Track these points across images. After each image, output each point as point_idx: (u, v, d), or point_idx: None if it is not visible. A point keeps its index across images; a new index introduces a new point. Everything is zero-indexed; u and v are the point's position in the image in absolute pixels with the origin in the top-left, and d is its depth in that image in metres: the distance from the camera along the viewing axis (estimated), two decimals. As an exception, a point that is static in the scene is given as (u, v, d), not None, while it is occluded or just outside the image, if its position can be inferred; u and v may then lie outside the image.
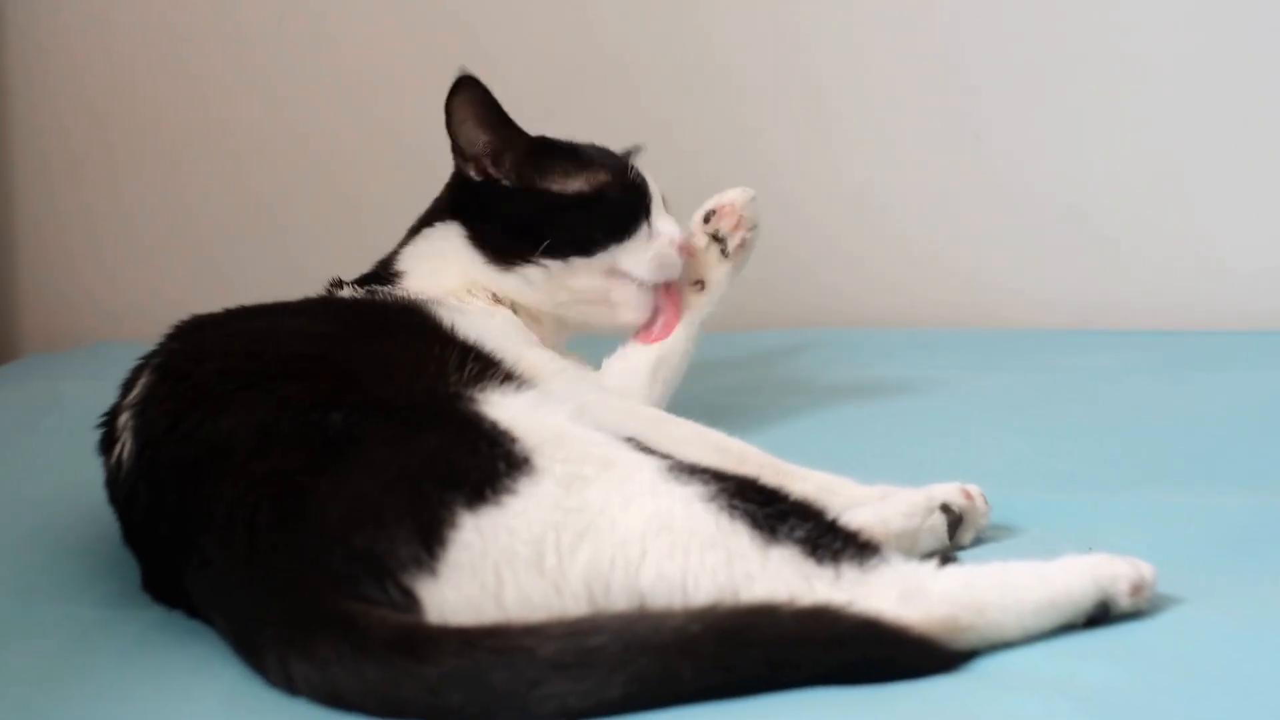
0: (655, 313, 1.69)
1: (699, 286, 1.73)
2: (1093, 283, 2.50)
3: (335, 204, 2.79)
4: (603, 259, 1.64)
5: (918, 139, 2.56)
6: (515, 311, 1.66)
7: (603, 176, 1.66)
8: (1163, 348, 2.18)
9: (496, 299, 1.66)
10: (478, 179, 1.67)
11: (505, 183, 1.66)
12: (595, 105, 2.62)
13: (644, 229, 1.66)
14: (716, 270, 1.73)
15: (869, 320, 2.57)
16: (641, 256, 1.65)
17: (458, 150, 1.68)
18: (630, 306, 1.67)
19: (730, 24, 2.61)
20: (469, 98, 1.64)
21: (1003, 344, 2.31)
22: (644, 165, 1.72)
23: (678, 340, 1.71)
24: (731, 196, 1.73)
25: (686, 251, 1.69)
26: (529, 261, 1.63)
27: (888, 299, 2.60)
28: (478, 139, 1.66)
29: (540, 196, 1.65)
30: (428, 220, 1.72)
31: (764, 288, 2.54)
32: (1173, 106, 2.43)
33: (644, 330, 1.70)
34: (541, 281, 1.64)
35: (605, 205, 1.65)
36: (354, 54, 2.78)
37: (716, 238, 1.72)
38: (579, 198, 1.65)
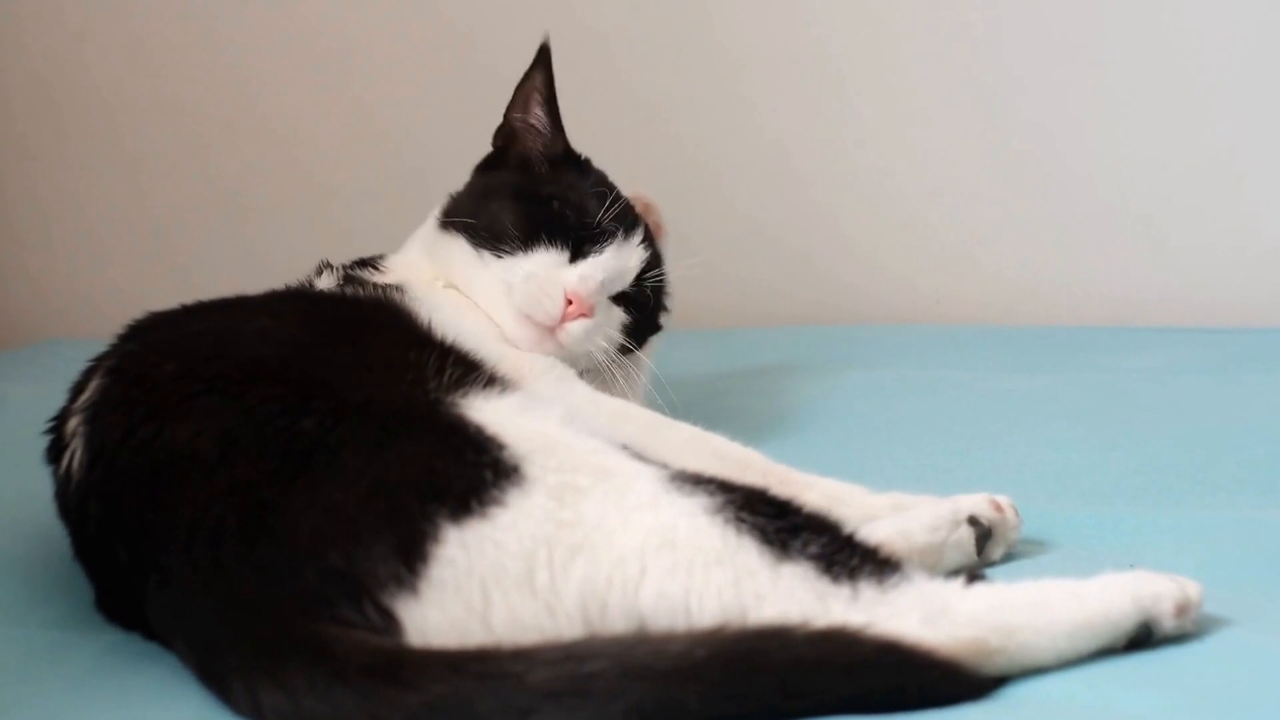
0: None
1: None
2: (1136, 276, 2.50)
3: (305, 190, 2.79)
4: (496, 264, 1.59)
5: (943, 120, 2.56)
6: None
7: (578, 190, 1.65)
8: (1212, 346, 2.18)
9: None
10: (498, 144, 1.70)
11: (510, 158, 1.69)
12: (582, 80, 2.60)
13: (555, 252, 1.60)
14: None
15: (889, 317, 2.57)
16: (520, 273, 1.58)
17: (508, 109, 1.69)
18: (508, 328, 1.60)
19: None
20: (543, 71, 1.66)
21: (1036, 342, 2.31)
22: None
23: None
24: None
25: (577, 309, 1.57)
26: (451, 230, 1.63)
27: (910, 294, 2.60)
28: (525, 112, 1.68)
29: (502, 179, 1.67)
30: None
31: (773, 282, 2.56)
32: (1224, 86, 2.42)
33: None
34: (447, 255, 1.63)
35: (539, 207, 1.61)
36: (324, 28, 2.78)
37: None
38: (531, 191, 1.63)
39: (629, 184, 1.73)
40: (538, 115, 1.68)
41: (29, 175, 2.92)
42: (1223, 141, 2.44)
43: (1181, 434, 1.74)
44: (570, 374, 1.60)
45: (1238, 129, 2.43)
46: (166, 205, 2.87)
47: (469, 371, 1.30)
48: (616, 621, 1.05)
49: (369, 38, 2.70)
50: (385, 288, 1.57)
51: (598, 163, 1.74)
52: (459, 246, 1.62)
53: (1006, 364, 2.18)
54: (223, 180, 2.85)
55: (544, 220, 1.60)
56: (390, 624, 1.03)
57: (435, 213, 1.71)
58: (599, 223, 1.62)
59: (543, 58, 1.66)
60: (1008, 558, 1.32)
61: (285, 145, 2.81)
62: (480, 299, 1.61)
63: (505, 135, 1.71)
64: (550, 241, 1.59)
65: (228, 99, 2.83)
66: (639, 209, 1.72)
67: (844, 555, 1.07)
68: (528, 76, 1.67)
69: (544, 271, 1.58)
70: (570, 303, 1.56)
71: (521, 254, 1.58)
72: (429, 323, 1.45)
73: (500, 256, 1.59)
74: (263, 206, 2.83)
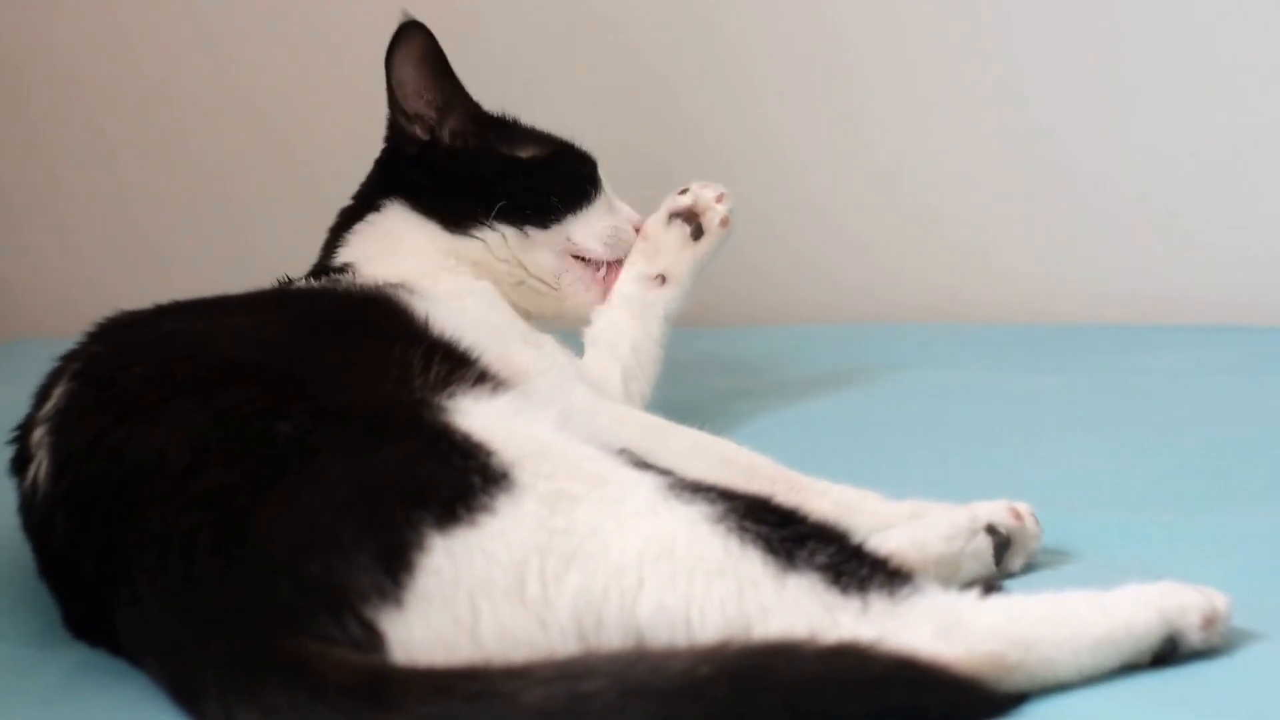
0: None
1: (659, 281, 1.77)
2: (1158, 272, 2.49)
3: (294, 183, 2.78)
4: (558, 231, 1.74)
5: (956, 113, 2.55)
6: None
7: (554, 144, 1.76)
8: (1239, 345, 2.18)
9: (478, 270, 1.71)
10: (423, 138, 1.74)
11: (451, 143, 1.73)
12: (583, 71, 2.61)
13: (601, 200, 1.76)
14: (680, 259, 1.77)
15: (902, 316, 2.57)
16: (597, 228, 1.75)
17: (398, 108, 1.74)
18: (579, 297, 1.75)
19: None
20: (416, 48, 1.71)
21: (1055, 342, 2.31)
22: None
23: (646, 348, 1.76)
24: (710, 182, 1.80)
25: (642, 235, 1.78)
26: (483, 224, 1.71)
27: (923, 292, 2.60)
28: (424, 95, 1.72)
29: (492, 156, 1.74)
30: (359, 211, 1.77)
31: (782, 279, 2.55)
32: (1248, 80, 2.42)
33: None
34: (498, 247, 1.72)
35: (561, 171, 1.75)
36: (314, 8, 2.77)
37: (687, 218, 1.77)
38: (533, 161, 1.75)
39: (632, 187, 1.82)
40: (440, 89, 1.73)
41: (-4, 166, 2.92)
42: (1247, 136, 2.44)
43: (1208, 437, 1.74)
44: (572, 375, 1.61)
45: (1262, 124, 2.43)
46: (144, 198, 2.86)
47: (456, 368, 1.29)
48: (613, 635, 1.04)
49: (362, 19, 2.69)
50: (378, 286, 1.57)
51: (608, 160, 1.80)
52: (492, 235, 1.71)
53: (1024, 364, 2.18)
54: (204, 171, 2.84)
55: (573, 175, 1.75)
56: (373, 638, 1.02)
57: (405, 212, 1.73)
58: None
59: (404, 36, 1.70)
60: (1027, 568, 1.32)
61: (272, 134, 2.80)
62: (521, 286, 1.72)
63: (426, 128, 1.73)
64: (595, 189, 1.76)
65: (209, 84, 2.82)
66: (720, 194, 1.78)
67: (853, 566, 1.07)
68: (401, 62, 1.70)
69: (618, 218, 1.77)
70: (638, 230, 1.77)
71: (576, 212, 1.73)
72: (426, 317, 1.46)
73: (548, 226, 1.72)
74: (248, 200, 2.82)
